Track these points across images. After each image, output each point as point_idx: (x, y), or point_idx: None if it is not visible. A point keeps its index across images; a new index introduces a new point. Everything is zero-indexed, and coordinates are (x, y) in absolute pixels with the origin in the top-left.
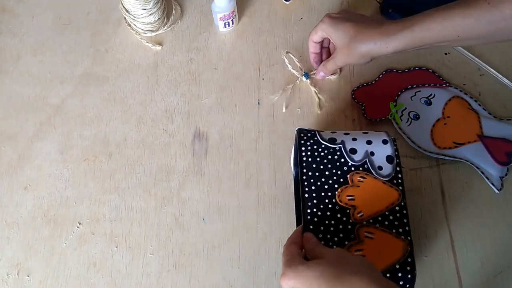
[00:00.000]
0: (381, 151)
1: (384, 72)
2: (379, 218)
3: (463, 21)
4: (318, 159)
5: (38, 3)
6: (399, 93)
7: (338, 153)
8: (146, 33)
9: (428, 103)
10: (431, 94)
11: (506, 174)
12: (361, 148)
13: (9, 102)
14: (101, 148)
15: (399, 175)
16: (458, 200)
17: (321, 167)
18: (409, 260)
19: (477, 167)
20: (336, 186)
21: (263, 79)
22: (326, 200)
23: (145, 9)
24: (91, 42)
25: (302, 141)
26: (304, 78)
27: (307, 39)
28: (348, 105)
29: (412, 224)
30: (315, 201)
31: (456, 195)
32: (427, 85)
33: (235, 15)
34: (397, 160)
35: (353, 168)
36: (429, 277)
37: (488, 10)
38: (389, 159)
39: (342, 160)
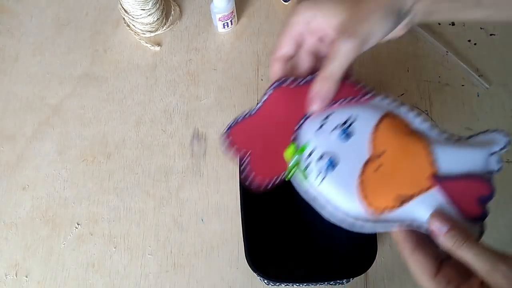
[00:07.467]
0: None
1: (272, 88)
2: None
3: None
4: None
5: (37, 3)
6: (297, 125)
7: None
8: (145, 34)
9: (347, 134)
10: (349, 118)
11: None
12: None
13: (8, 102)
14: (99, 148)
15: None
16: None
17: None
18: None
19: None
20: None
21: (261, 79)
22: None
23: (144, 10)
24: (90, 42)
25: None
26: None
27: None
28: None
29: None
30: None
31: None
32: (339, 101)
33: (234, 15)
34: None
35: None
36: None
37: None
38: None
39: None
